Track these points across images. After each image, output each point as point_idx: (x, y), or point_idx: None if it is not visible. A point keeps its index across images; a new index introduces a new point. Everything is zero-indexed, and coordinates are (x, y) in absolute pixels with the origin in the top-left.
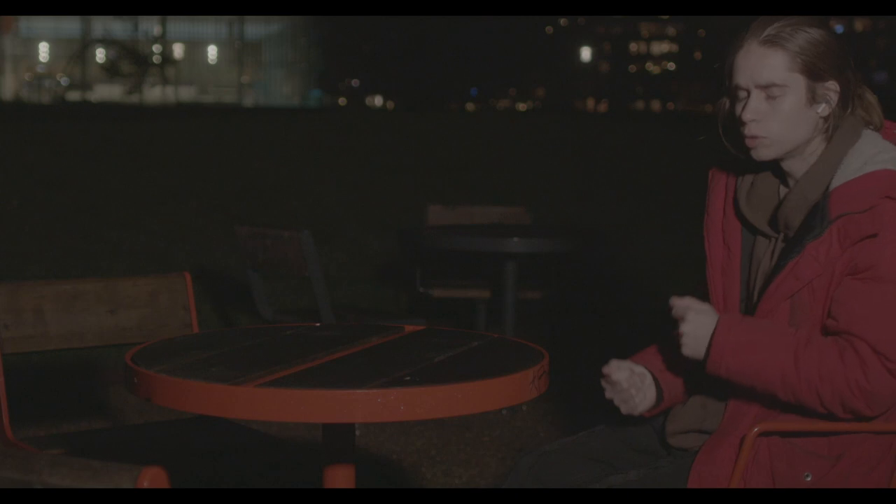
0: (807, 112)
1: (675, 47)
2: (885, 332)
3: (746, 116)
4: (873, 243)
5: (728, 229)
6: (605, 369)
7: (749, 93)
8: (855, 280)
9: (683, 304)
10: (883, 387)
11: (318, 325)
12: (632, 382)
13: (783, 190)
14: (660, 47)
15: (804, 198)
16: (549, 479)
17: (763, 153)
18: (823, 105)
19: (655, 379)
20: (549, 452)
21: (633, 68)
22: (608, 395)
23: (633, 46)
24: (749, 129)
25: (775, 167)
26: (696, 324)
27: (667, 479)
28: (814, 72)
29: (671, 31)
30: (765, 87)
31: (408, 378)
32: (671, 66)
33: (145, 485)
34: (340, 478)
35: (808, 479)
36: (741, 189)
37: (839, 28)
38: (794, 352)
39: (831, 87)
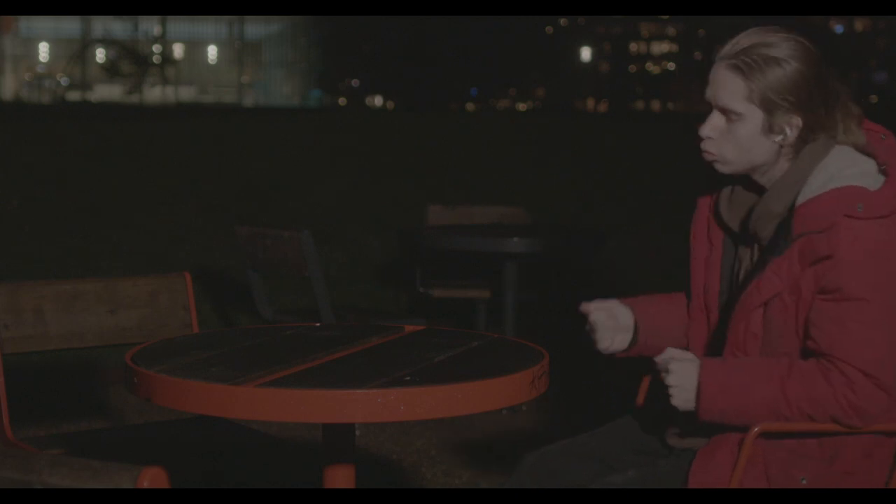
0: (762, 140)
1: (675, 47)
2: (865, 352)
3: (703, 133)
4: (834, 263)
5: (713, 227)
6: (584, 307)
7: (712, 108)
8: (826, 301)
9: (665, 357)
10: (873, 401)
11: (318, 325)
12: (607, 326)
13: (757, 199)
14: (660, 47)
15: (769, 211)
16: (549, 479)
17: (720, 168)
18: (781, 136)
19: (636, 322)
20: (550, 453)
21: (633, 68)
22: (587, 328)
23: (633, 46)
24: (704, 145)
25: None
26: (681, 374)
27: (665, 478)
28: (773, 107)
29: (671, 31)
30: (723, 110)
31: (408, 378)
32: (671, 66)
33: (145, 485)
34: (340, 478)
35: (804, 482)
36: (724, 192)
37: (839, 28)
38: (780, 383)
39: (792, 122)
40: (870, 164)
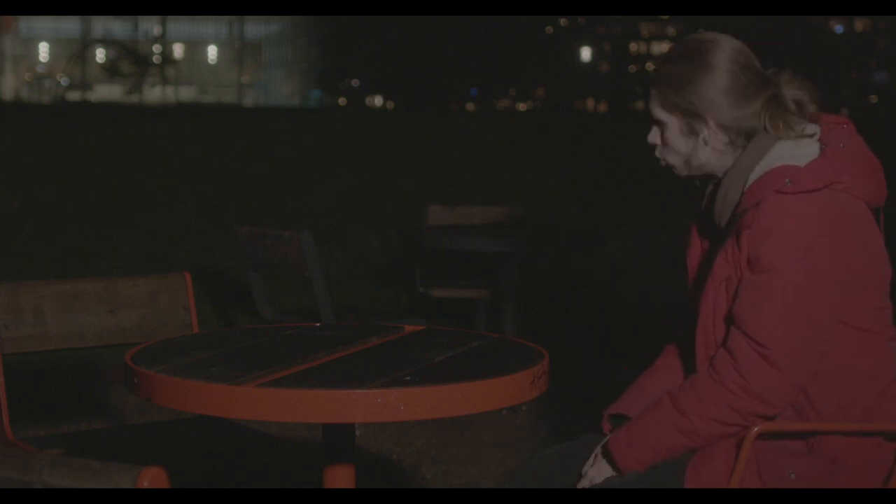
0: (688, 142)
1: None
2: (761, 319)
3: (648, 140)
4: (756, 235)
5: (703, 241)
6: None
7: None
8: (748, 273)
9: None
10: (761, 378)
11: (318, 325)
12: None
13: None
14: (660, 47)
15: (725, 200)
16: (549, 479)
17: (676, 173)
18: (701, 137)
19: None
20: (550, 455)
21: (633, 68)
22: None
23: (633, 46)
24: (655, 153)
25: None
26: (598, 466)
27: (664, 478)
28: (680, 109)
29: (671, 31)
30: (653, 121)
31: (408, 378)
32: None
33: (145, 485)
34: (340, 478)
35: (793, 477)
36: (706, 198)
37: (839, 28)
38: (671, 400)
39: (708, 124)
40: (812, 147)
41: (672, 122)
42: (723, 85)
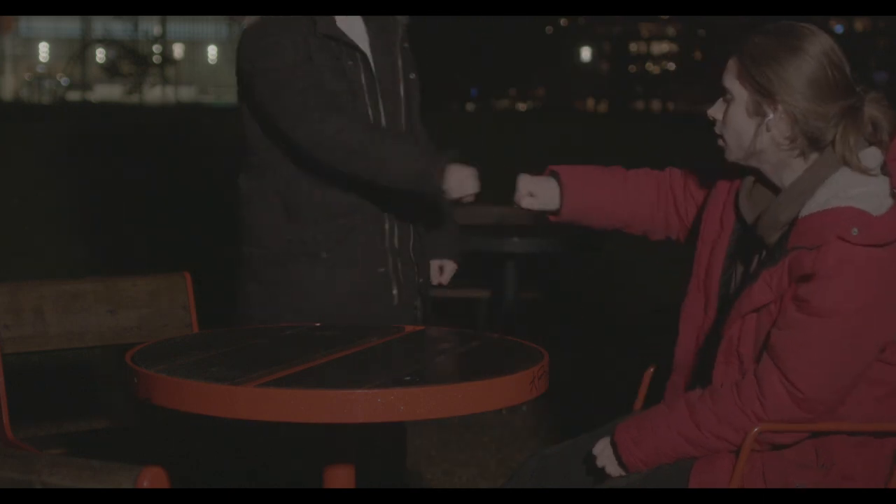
0: (748, 123)
1: (675, 47)
2: (801, 363)
3: (709, 114)
4: (813, 279)
5: (727, 211)
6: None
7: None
8: (794, 308)
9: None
10: (781, 415)
11: (317, 325)
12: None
13: (770, 201)
14: (660, 47)
15: (776, 220)
16: (550, 480)
17: (726, 157)
18: (766, 120)
19: (561, 187)
20: (551, 455)
21: (633, 68)
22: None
23: (633, 46)
24: (715, 129)
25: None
26: (601, 450)
27: (667, 478)
28: (753, 83)
29: (671, 31)
30: (723, 92)
31: (408, 378)
32: (671, 66)
33: (145, 485)
34: (340, 478)
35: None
36: (746, 182)
37: (839, 28)
38: (688, 408)
39: (776, 108)
40: (881, 185)
41: (741, 96)
42: (807, 72)
